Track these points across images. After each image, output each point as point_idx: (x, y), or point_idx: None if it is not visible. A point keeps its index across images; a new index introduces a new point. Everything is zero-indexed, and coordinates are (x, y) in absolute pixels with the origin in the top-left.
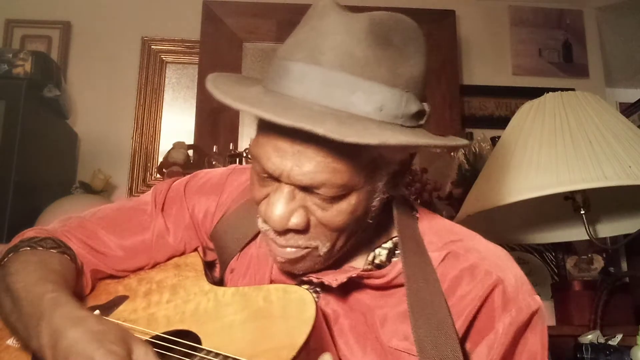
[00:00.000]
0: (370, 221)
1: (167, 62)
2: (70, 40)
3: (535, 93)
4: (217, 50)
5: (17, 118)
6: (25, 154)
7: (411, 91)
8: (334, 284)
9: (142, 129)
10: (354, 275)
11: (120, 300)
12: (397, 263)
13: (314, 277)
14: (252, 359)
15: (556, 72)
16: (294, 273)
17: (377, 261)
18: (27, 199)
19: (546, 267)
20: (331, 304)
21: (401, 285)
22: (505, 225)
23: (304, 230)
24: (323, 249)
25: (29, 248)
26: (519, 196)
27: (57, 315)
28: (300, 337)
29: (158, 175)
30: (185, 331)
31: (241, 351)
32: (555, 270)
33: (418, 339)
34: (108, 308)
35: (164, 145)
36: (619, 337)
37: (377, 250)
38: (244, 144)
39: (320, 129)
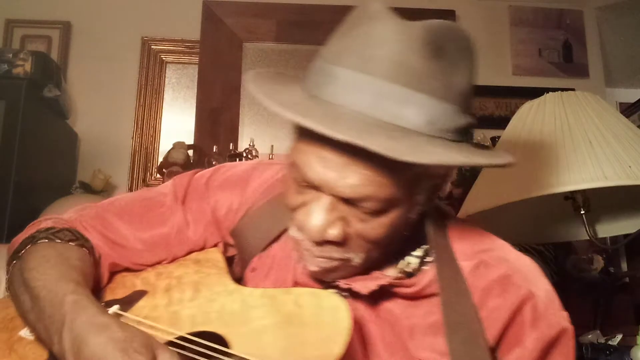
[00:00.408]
0: (406, 233)
1: (167, 62)
2: (70, 40)
3: (535, 93)
4: (217, 50)
5: (17, 118)
6: (25, 154)
7: (460, 104)
8: (364, 292)
9: (142, 129)
10: (384, 283)
11: (138, 295)
12: (427, 272)
13: (342, 283)
14: None
15: (556, 72)
16: (321, 279)
17: (407, 269)
18: (27, 199)
19: (546, 267)
20: (358, 310)
21: (431, 296)
22: (505, 225)
23: (340, 242)
24: (357, 260)
25: (47, 240)
26: (519, 196)
27: (80, 321)
28: (336, 348)
29: (158, 175)
30: (212, 333)
31: (275, 359)
32: (555, 270)
33: (453, 352)
34: (127, 303)
35: (164, 145)
36: (619, 337)
37: (408, 258)
38: (244, 144)
39: (375, 146)
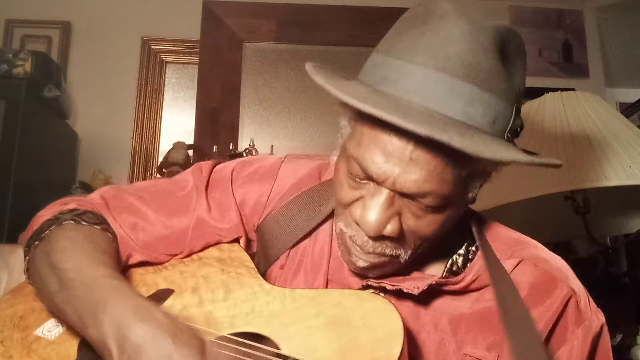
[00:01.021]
0: (450, 230)
1: (167, 62)
2: (70, 40)
3: (535, 93)
4: (217, 50)
5: (17, 118)
6: (25, 154)
7: (517, 106)
8: (416, 292)
9: (142, 129)
10: (433, 283)
11: (164, 293)
12: (472, 268)
13: (387, 284)
14: None
15: (556, 72)
16: (366, 276)
17: (454, 268)
18: (27, 199)
19: None
20: (402, 311)
21: (476, 290)
22: (505, 225)
23: (395, 238)
24: (404, 257)
25: (72, 222)
26: (519, 195)
27: (121, 306)
28: (394, 350)
29: (158, 176)
30: (256, 334)
31: None
32: None
33: (513, 347)
34: (154, 302)
35: (164, 145)
36: (619, 337)
37: (454, 257)
38: (243, 144)
39: (454, 142)
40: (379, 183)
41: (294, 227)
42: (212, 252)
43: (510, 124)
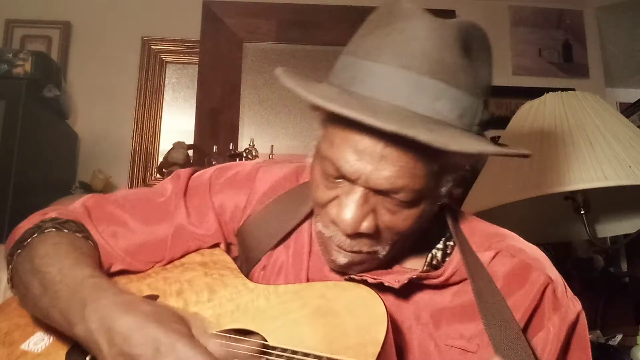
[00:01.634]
0: (426, 225)
1: (167, 62)
2: (70, 40)
3: (535, 93)
4: (217, 50)
5: (17, 118)
6: (25, 154)
7: (484, 100)
8: (396, 286)
9: (142, 129)
10: (413, 277)
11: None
12: (451, 262)
13: (369, 278)
14: (335, 356)
15: (556, 72)
16: (346, 273)
17: (434, 262)
18: (27, 199)
19: None
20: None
21: (455, 284)
22: (505, 225)
23: (371, 235)
24: (382, 252)
25: (54, 229)
26: (519, 196)
27: (105, 301)
28: (380, 333)
29: (158, 175)
30: (243, 330)
31: (316, 348)
32: None
33: (492, 337)
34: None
35: (164, 145)
36: (619, 337)
37: (434, 251)
38: (243, 144)
39: (422, 137)
40: (353, 181)
41: (273, 228)
42: (194, 257)
43: (478, 117)
